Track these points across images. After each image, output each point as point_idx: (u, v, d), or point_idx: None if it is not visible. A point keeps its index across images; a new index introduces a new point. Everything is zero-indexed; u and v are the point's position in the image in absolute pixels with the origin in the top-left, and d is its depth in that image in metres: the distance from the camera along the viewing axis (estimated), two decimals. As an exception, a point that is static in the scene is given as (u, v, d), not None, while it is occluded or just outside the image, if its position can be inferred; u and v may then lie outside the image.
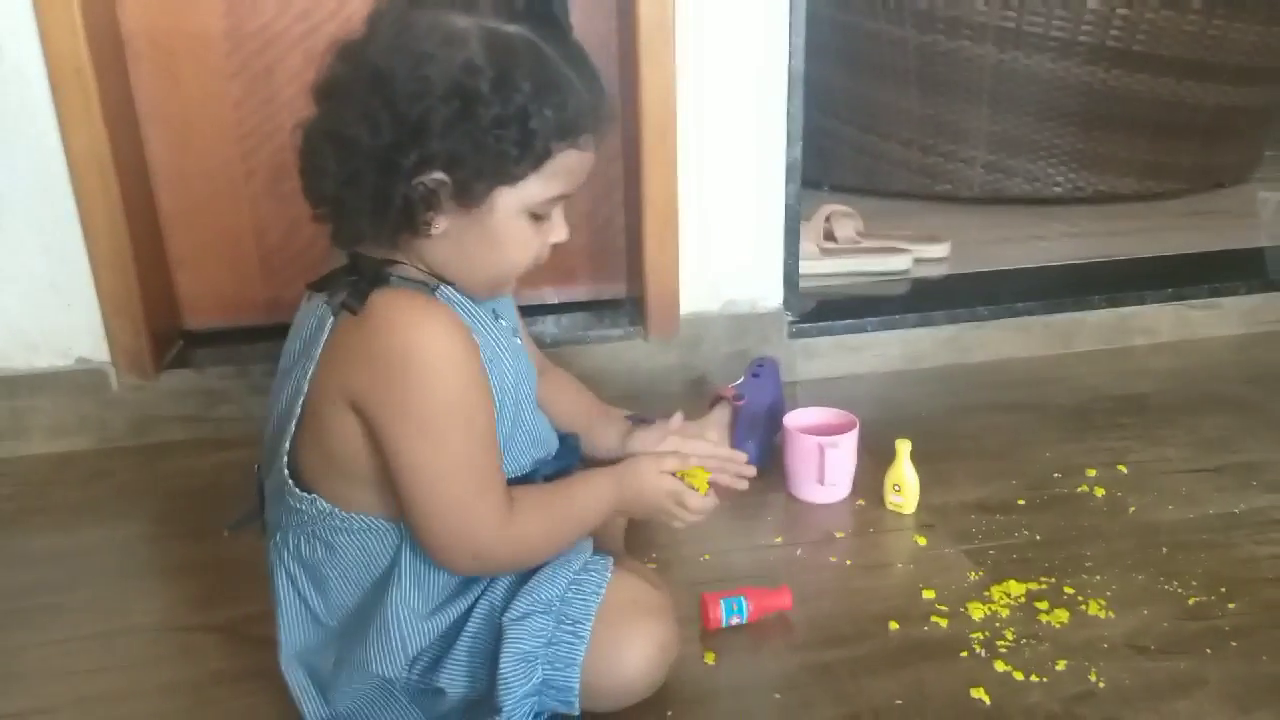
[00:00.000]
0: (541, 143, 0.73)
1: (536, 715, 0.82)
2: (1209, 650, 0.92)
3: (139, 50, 1.38)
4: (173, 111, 1.42)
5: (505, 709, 0.78)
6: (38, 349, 1.36)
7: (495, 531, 0.78)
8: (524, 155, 0.73)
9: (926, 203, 2.33)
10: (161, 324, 1.43)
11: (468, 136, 0.71)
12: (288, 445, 0.79)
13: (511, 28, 0.73)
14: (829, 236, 1.89)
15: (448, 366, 0.74)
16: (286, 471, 0.79)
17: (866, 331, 1.58)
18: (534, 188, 0.76)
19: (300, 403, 0.77)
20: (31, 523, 1.21)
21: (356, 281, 0.75)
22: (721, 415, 1.26)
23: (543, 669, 0.79)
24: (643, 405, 1.30)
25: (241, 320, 1.52)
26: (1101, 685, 0.88)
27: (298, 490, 0.79)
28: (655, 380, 1.50)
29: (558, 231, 0.81)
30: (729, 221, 1.49)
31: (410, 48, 0.71)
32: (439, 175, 0.73)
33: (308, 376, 0.76)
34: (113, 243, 1.32)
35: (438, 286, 0.78)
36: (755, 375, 1.30)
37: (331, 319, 0.75)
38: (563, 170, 0.76)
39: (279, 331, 1.48)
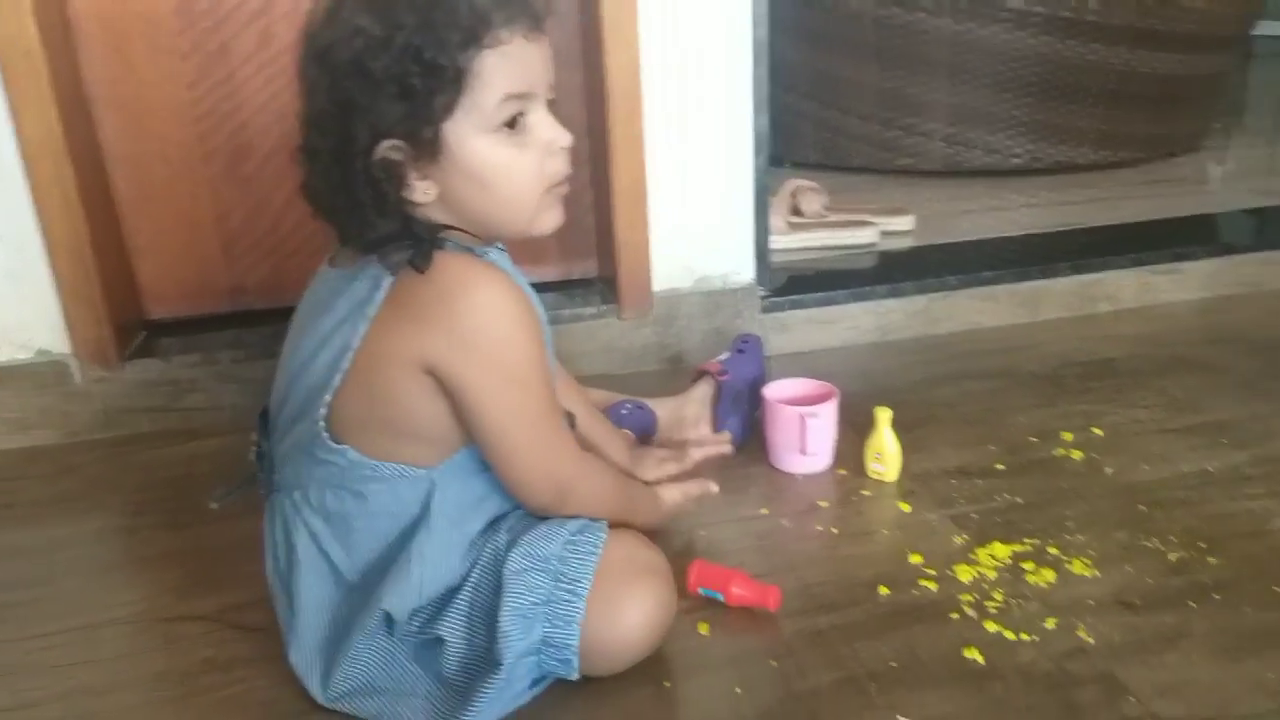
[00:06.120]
0: (448, 62, 0.74)
1: (536, 681, 0.83)
2: (1193, 604, 0.94)
3: (89, 32, 1.34)
4: (125, 94, 1.38)
5: (505, 663, 0.78)
6: (-5, 342, 1.32)
7: (575, 464, 0.87)
8: (436, 84, 0.74)
9: (888, 176, 2.34)
10: (123, 313, 1.40)
11: (380, 95, 0.73)
12: (328, 399, 0.79)
13: None
14: (795, 211, 1.90)
15: (525, 321, 0.79)
16: (323, 424, 0.80)
17: (838, 304, 1.58)
18: (472, 106, 0.76)
19: (348, 360, 0.78)
20: (-1, 519, 1.17)
21: (418, 243, 0.77)
22: (704, 391, 1.26)
23: (542, 627, 0.80)
24: (622, 384, 1.31)
25: (205, 308, 1.49)
26: (1091, 641, 0.89)
27: (331, 444, 0.80)
28: (632, 359, 1.50)
29: (546, 132, 0.80)
30: (699, 197, 1.48)
31: (315, 48, 0.76)
32: (389, 143, 0.75)
33: (360, 335, 0.78)
34: (69, 230, 1.29)
35: (485, 251, 0.81)
36: (740, 351, 1.30)
37: (389, 279, 0.77)
38: (492, 75, 0.76)
39: (245, 319, 1.49)
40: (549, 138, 0.80)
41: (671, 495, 1.02)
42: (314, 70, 0.76)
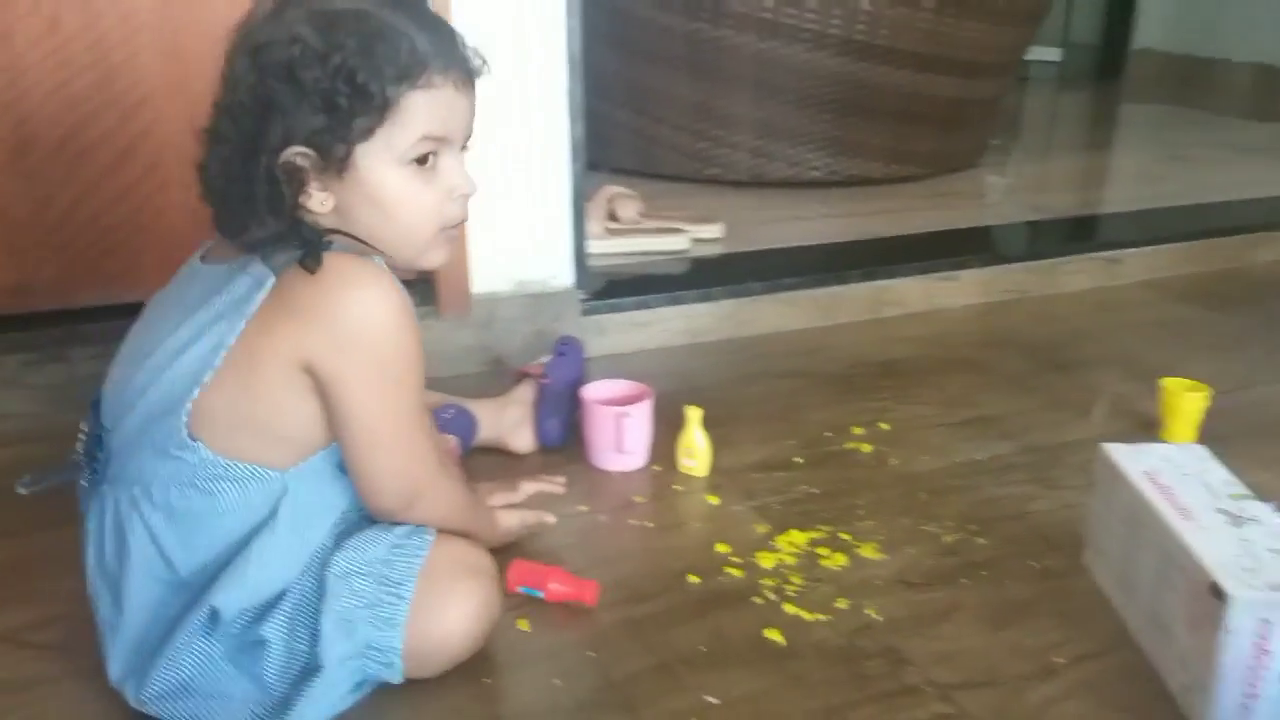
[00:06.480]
0: (378, 91, 0.76)
1: (359, 684, 0.83)
2: (965, 580, 1.04)
3: None
4: (-107, 79, 1.28)
5: (326, 666, 0.79)
6: None
7: (433, 471, 0.88)
8: (360, 108, 0.76)
9: (699, 185, 2.43)
10: (-111, 315, 1.29)
11: (304, 104, 0.75)
12: (195, 394, 0.78)
13: (339, 4, 0.77)
14: (612, 217, 1.95)
15: (406, 323, 0.81)
16: (185, 420, 0.78)
17: (652, 308, 1.64)
18: (390, 137, 0.79)
19: (220, 357, 0.77)
20: None
21: (306, 245, 0.77)
22: (525, 392, 1.28)
23: (364, 630, 0.81)
24: (443, 386, 1.31)
25: (-15, 309, 1.40)
26: (878, 618, 0.98)
27: (187, 439, 0.78)
28: (453, 361, 1.50)
29: (452, 179, 0.83)
30: (517, 202, 1.51)
31: (249, 43, 0.77)
32: (299, 149, 0.77)
33: (236, 333, 0.77)
34: None
35: (370, 256, 0.81)
36: (561, 354, 1.34)
37: (272, 279, 0.77)
38: (417, 113, 0.79)
39: (28, 321, 1.39)
40: (454, 184, 0.83)
41: (509, 521, 1.05)
42: (243, 63, 0.77)
